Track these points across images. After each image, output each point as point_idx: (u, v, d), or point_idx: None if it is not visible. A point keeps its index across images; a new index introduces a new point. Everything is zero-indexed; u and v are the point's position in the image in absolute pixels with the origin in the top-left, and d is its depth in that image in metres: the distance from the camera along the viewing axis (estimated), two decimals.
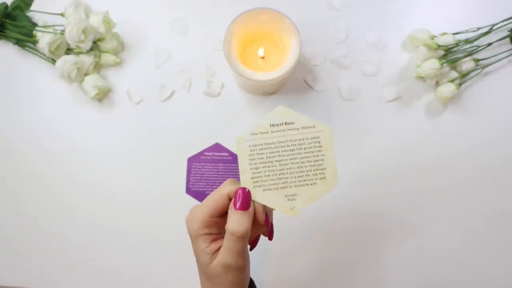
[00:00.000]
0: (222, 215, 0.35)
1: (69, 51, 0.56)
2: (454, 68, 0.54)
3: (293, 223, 0.53)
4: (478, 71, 0.55)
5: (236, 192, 0.34)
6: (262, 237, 0.39)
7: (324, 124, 0.35)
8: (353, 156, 0.55)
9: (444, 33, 0.54)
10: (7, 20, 0.56)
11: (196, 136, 0.56)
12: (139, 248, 0.54)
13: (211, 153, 0.56)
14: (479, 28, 0.55)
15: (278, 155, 0.35)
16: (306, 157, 0.35)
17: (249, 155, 0.35)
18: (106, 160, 0.56)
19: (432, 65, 0.52)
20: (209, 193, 0.54)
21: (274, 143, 0.35)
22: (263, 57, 0.53)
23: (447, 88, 0.53)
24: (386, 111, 0.56)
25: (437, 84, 0.55)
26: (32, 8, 0.58)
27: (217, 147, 0.56)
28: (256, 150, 0.35)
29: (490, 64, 0.55)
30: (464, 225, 0.54)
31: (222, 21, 0.51)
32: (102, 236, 0.54)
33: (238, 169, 0.55)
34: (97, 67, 0.57)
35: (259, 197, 0.35)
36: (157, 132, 0.56)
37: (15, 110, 0.57)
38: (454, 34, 0.54)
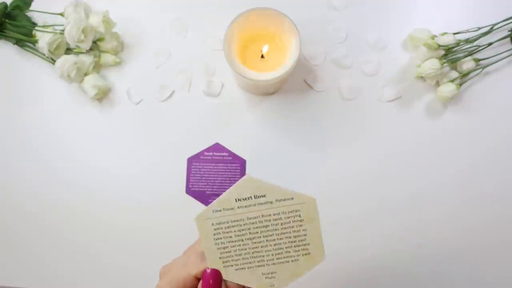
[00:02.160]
0: None
1: (68, 51, 0.56)
2: (454, 68, 0.54)
3: None
4: (479, 71, 0.54)
5: (203, 275, 0.30)
6: None
7: (305, 195, 0.30)
8: (353, 156, 0.55)
9: (445, 33, 0.54)
10: (7, 20, 0.56)
11: (196, 136, 0.56)
12: (139, 247, 0.54)
13: (211, 153, 0.56)
14: (479, 28, 0.54)
15: (250, 233, 0.30)
16: (284, 233, 0.30)
17: (214, 234, 0.30)
18: (106, 160, 0.56)
19: (433, 65, 0.52)
20: (209, 194, 0.55)
21: (243, 220, 0.30)
22: (262, 57, 0.53)
23: (447, 88, 0.53)
24: (386, 111, 0.55)
25: (437, 84, 0.55)
26: (31, 7, 0.58)
27: (217, 147, 0.55)
28: (222, 228, 0.30)
29: (491, 64, 0.55)
30: (465, 225, 0.54)
31: (222, 21, 0.51)
32: (102, 236, 0.54)
33: (238, 169, 0.55)
34: (97, 67, 0.57)
35: (232, 276, 0.30)
36: (157, 132, 0.56)
37: (15, 110, 0.57)
38: (455, 34, 0.54)
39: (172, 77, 0.57)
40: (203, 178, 0.55)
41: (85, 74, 0.55)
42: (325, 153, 0.55)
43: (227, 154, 0.55)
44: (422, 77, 0.55)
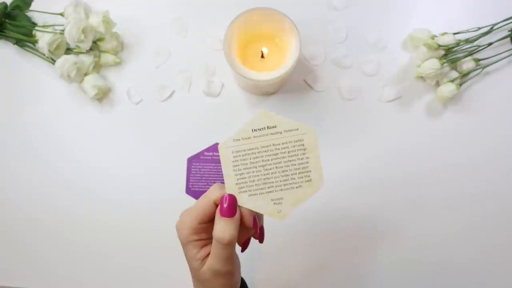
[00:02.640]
0: (210, 221, 0.35)
1: (68, 51, 0.56)
2: (454, 68, 0.54)
3: (286, 224, 0.53)
4: (479, 71, 0.54)
5: (221, 199, 0.34)
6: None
7: (307, 126, 0.35)
8: (353, 156, 0.55)
9: (445, 33, 0.54)
10: (7, 20, 0.56)
11: (196, 136, 0.56)
12: (139, 247, 0.54)
13: (211, 153, 0.56)
14: (479, 28, 0.54)
15: (262, 160, 0.35)
16: (290, 161, 0.35)
17: (233, 161, 0.35)
18: (106, 160, 0.56)
19: (433, 65, 0.52)
20: None
21: (257, 148, 0.35)
22: (262, 57, 0.53)
23: (447, 88, 0.53)
24: (386, 111, 0.55)
25: (438, 84, 0.55)
26: (31, 7, 0.58)
27: (217, 147, 0.55)
28: (240, 156, 0.35)
29: (491, 64, 0.55)
30: (465, 225, 0.54)
31: (222, 21, 0.51)
32: (102, 236, 0.54)
33: None
34: (97, 67, 0.57)
35: (245, 202, 0.35)
36: (157, 132, 0.56)
37: (15, 110, 0.57)
38: (455, 34, 0.54)
39: (172, 77, 0.57)
40: (203, 178, 0.55)
41: (85, 74, 0.55)
42: (325, 153, 0.54)
43: None
44: (422, 77, 0.55)
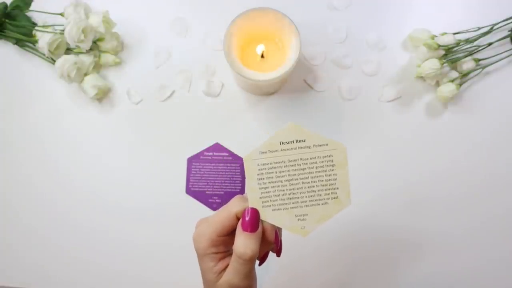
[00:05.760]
0: (230, 234, 0.34)
1: (68, 51, 0.56)
2: (454, 68, 0.54)
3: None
4: (479, 71, 0.55)
5: (244, 212, 0.33)
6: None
7: (338, 142, 0.34)
8: (352, 156, 0.55)
9: (445, 33, 0.54)
10: (7, 20, 0.56)
11: (196, 136, 0.56)
12: (139, 247, 0.54)
13: (211, 153, 0.56)
14: (479, 28, 0.54)
15: (288, 174, 0.34)
16: (317, 176, 0.34)
17: (258, 174, 0.34)
18: (106, 160, 0.56)
19: (432, 65, 0.52)
20: (209, 194, 0.55)
21: (284, 162, 0.33)
22: (262, 56, 0.53)
23: (447, 88, 0.53)
24: (386, 111, 0.55)
25: (437, 84, 0.55)
26: (31, 7, 0.58)
27: (217, 147, 0.56)
28: (265, 169, 0.34)
29: (491, 64, 0.55)
30: (465, 225, 0.54)
31: (222, 21, 0.51)
32: (102, 236, 0.54)
33: (238, 169, 0.55)
34: (97, 67, 0.57)
35: (268, 217, 0.34)
36: (157, 132, 0.56)
37: (14, 110, 0.57)
38: (455, 34, 0.54)
39: (172, 77, 0.57)
40: (203, 178, 0.55)
41: (85, 74, 0.55)
42: None
43: (227, 154, 0.55)
44: (422, 77, 0.55)
